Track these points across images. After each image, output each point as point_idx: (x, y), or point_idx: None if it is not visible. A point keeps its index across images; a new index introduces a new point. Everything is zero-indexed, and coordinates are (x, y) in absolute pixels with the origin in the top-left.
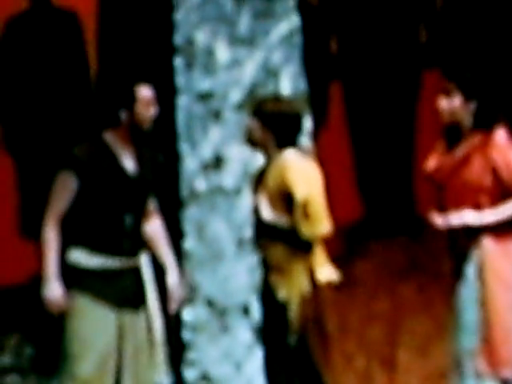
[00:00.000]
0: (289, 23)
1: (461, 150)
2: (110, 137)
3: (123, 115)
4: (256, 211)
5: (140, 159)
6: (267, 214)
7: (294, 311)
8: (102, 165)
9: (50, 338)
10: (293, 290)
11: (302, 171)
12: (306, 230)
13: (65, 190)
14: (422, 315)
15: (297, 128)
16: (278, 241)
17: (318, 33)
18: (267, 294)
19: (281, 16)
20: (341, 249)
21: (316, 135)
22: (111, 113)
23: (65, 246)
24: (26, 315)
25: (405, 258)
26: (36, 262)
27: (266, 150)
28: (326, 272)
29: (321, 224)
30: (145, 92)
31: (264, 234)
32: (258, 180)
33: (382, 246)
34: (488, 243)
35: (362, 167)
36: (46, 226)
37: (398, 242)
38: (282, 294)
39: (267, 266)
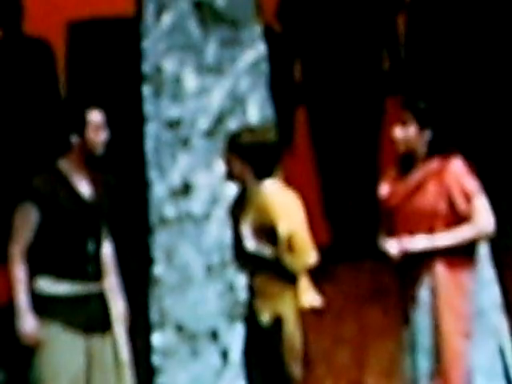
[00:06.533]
0: (255, 51)
1: (414, 177)
2: (63, 164)
3: (74, 140)
4: (237, 238)
5: (94, 184)
6: (251, 244)
7: (291, 337)
8: (59, 193)
9: (22, 363)
10: (280, 314)
11: (284, 205)
12: (291, 263)
13: (27, 222)
14: (387, 338)
15: (275, 157)
16: (263, 269)
17: (283, 59)
18: (251, 318)
19: (247, 44)
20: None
21: (282, 161)
22: (62, 138)
23: (31, 274)
24: None
25: (371, 281)
26: (6, 289)
27: (245, 182)
28: (310, 298)
29: (306, 255)
30: (94, 116)
31: (248, 261)
32: (236, 208)
33: (348, 269)
34: (441, 270)
35: (328, 192)
36: (13, 261)
37: (364, 265)
38: (265, 318)
39: (252, 291)
